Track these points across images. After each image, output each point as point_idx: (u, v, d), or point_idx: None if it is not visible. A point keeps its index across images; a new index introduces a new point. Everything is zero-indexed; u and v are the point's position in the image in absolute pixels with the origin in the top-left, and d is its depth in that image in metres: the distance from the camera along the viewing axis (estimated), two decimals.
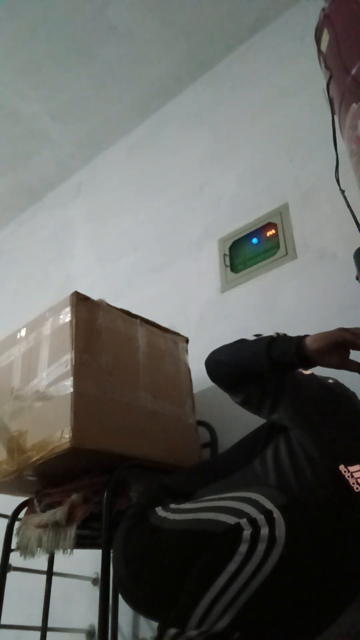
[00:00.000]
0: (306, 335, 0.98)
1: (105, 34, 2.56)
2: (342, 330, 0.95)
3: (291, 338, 1.00)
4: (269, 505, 0.84)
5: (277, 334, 1.04)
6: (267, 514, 0.82)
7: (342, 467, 0.98)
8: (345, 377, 1.17)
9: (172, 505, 0.97)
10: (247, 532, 0.80)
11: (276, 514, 0.82)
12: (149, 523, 0.96)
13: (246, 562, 0.78)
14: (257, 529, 0.80)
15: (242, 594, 0.78)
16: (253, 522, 0.81)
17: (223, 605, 0.78)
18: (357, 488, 0.97)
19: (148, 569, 0.91)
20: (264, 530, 0.80)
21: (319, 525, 0.92)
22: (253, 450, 1.09)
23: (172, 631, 0.80)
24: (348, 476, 0.98)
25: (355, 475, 0.98)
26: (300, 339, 0.97)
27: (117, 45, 2.61)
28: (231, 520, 0.82)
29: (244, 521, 0.81)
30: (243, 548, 0.79)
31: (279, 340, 1.01)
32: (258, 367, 1.02)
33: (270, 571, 0.78)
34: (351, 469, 0.99)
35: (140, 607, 0.99)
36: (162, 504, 0.99)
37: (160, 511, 0.97)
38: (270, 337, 1.02)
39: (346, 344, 0.95)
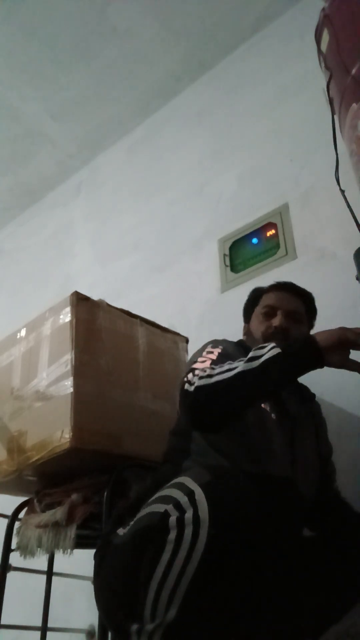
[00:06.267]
0: (312, 336, 0.96)
1: (105, 34, 2.56)
2: (344, 329, 0.95)
3: (296, 352, 0.96)
4: (192, 485, 0.81)
5: (274, 348, 0.98)
6: (190, 495, 0.80)
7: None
8: (345, 377, 1.17)
9: (131, 522, 0.95)
10: (173, 518, 0.78)
11: (198, 493, 0.79)
12: (112, 545, 0.95)
13: (177, 549, 0.76)
14: (183, 513, 0.78)
15: (181, 580, 0.76)
16: (178, 506, 0.79)
17: (166, 594, 0.76)
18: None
19: (114, 584, 0.89)
20: (189, 513, 0.77)
21: (246, 487, 0.85)
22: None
23: (135, 627, 0.79)
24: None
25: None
26: (312, 346, 0.95)
27: (117, 45, 2.61)
28: (161, 508, 0.81)
29: (170, 507, 0.80)
30: (172, 535, 0.77)
31: (289, 359, 0.96)
32: (274, 394, 1.12)
33: (203, 553, 0.75)
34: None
35: (119, 627, 0.89)
36: (123, 524, 0.98)
37: (120, 531, 0.96)
38: (273, 360, 0.96)
39: (349, 344, 0.95)
